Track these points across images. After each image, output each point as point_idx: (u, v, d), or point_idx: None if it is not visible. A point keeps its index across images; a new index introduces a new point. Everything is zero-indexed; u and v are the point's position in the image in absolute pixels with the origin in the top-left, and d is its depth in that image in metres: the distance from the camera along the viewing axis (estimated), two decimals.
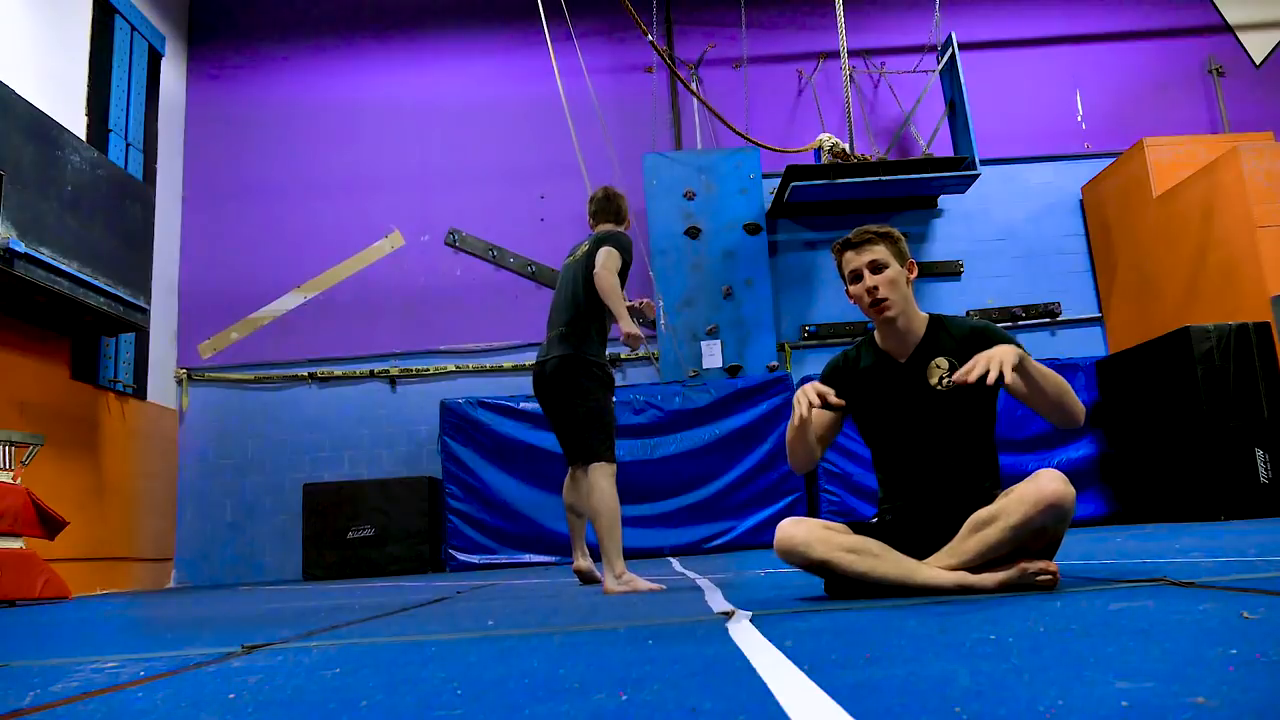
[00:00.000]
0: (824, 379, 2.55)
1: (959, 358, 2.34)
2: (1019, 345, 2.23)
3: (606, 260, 3.59)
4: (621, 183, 8.79)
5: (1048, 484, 2.06)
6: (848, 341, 8.91)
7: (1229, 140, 8.19)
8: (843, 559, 2.21)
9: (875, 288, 2.36)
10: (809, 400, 2.24)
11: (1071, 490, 2.07)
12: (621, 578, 3.36)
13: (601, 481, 3.46)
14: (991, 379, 2.05)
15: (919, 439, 2.38)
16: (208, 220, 9.22)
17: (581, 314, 3.69)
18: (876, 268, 2.38)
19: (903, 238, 2.46)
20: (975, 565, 2.15)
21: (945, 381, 2.34)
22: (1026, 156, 9.40)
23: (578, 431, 3.58)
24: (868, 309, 2.40)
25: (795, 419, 2.30)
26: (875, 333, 2.51)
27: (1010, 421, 7.08)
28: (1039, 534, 2.09)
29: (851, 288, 2.43)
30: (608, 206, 3.95)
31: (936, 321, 2.44)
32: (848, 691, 1.07)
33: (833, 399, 2.25)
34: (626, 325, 3.59)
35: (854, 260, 2.41)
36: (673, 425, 7.66)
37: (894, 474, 2.45)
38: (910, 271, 2.43)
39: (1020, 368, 2.13)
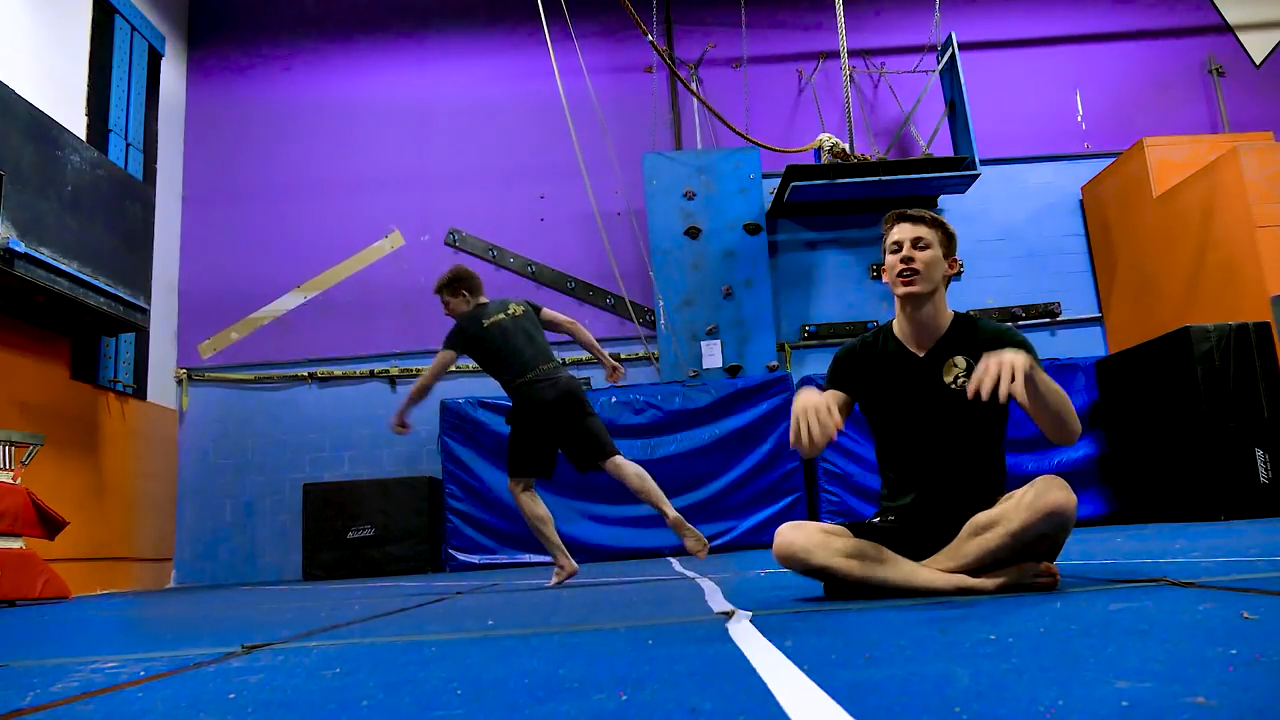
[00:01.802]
0: (836, 364, 2.51)
1: (978, 359, 2.24)
2: (1034, 354, 2.19)
3: (566, 317, 4.62)
4: (622, 183, 8.91)
5: (1049, 491, 2.05)
6: (848, 341, 8.90)
7: (1229, 140, 8.19)
8: (843, 565, 2.20)
9: (911, 259, 2.33)
10: (811, 430, 2.08)
11: (1074, 498, 2.06)
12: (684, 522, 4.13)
13: (630, 464, 4.23)
14: (1003, 391, 1.96)
15: (928, 435, 2.36)
16: (208, 220, 9.22)
17: (552, 353, 4.42)
18: (920, 244, 2.35)
19: (955, 236, 2.44)
20: (974, 569, 2.15)
21: (959, 381, 2.31)
22: (1026, 156, 9.40)
23: (595, 438, 4.24)
24: (895, 279, 2.36)
25: (794, 437, 2.14)
26: (895, 322, 2.47)
27: (1010, 421, 7.06)
28: (1039, 540, 2.08)
29: (889, 258, 2.39)
30: (478, 281, 4.68)
31: (961, 320, 2.40)
32: (847, 691, 1.07)
33: (836, 426, 2.10)
34: (611, 360, 4.60)
35: (903, 231, 2.37)
36: (673, 425, 7.66)
37: (899, 470, 2.43)
38: (950, 268, 2.40)
39: (1029, 378, 2.05)
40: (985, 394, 1.97)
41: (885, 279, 2.44)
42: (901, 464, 2.43)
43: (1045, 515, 2.04)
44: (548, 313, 4.56)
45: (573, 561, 4.33)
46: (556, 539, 4.29)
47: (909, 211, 2.40)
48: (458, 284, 4.60)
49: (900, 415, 2.41)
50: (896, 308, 2.44)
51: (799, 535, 2.25)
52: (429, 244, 9.25)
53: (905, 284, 2.34)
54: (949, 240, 2.40)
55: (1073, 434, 2.20)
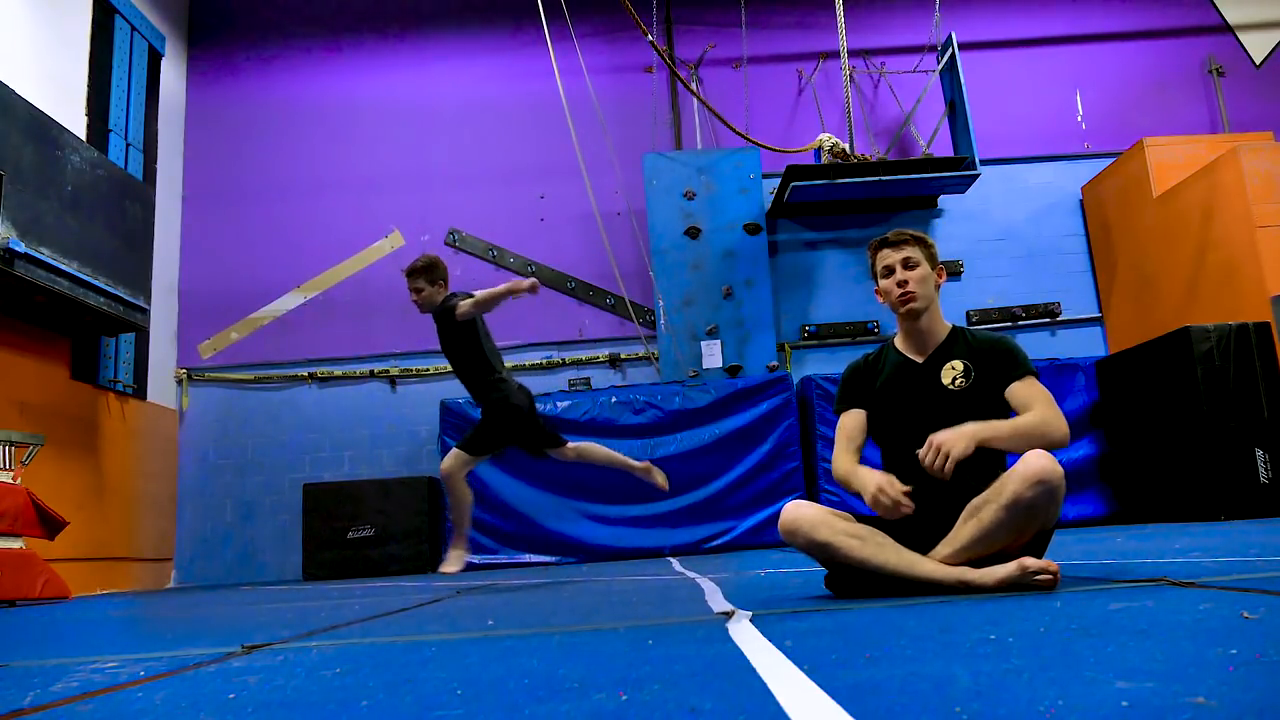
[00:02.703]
0: (846, 383, 2.65)
1: (975, 363, 2.45)
2: (1027, 363, 2.40)
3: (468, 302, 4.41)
4: (622, 183, 8.91)
5: (1035, 460, 2.11)
6: (848, 341, 8.92)
7: (1229, 140, 8.19)
8: (845, 543, 2.24)
9: (905, 281, 2.49)
10: (892, 502, 2.20)
11: (1059, 468, 2.11)
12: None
13: (584, 442, 4.73)
14: (947, 470, 2.16)
15: (929, 435, 2.39)
16: (208, 220, 9.22)
17: None
18: (909, 264, 2.52)
19: (935, 244, 2.62)
20: (974, 554, 2.17)
21: (958, 382, 2.44)
22: (1026, 156, 9.40)
23: (550, 431, 4.66)
24: (895, 302, 2.52)
25: (871, 499, 2.25)
26: (896, 336, 2.62)
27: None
28: (1031, 513, 2.11)
29: (882, 282, 2.56)
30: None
31: (958, 330, 2.57)
32: (848, 691, 1.07)
33: (905, 506, 2.21)
34: (516, 286, 4.26)
35: (889, 256, 2.53)
36: (673, 425, 7.65)
37: (903, 474, 2.45)
38: (939, 276, 2.57)
39: (983, 443, 2.23)
40: (935, 473, 2.18)
41: (881, 301, 2.60)
42: (906, 466, 2.45)
43: (1032, 483, 2.08)
44: (464, 306, 4.30)
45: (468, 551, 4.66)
46: (469, 522, 4.60)
47: (889, 237, 2.57)
48: (436, 272, 4.47)
49: (904, 419, 2.48)
50: (898, 324, 2.60)
51: (806, 510, 2.33)
52: (429, 244, 9.25)
53: (905, 303, 2.50)
54: (931, 251, 2.57)
55: (1055, 446, 2.28)
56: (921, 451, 2.22)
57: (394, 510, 7.72)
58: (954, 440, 2.19)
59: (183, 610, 4.19)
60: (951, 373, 2.45)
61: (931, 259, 2.55)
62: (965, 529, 2.19)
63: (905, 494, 2.23)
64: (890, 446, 2.54)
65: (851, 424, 2.58)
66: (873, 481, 2.26)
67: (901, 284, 2.49)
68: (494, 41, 9.66)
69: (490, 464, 7.67)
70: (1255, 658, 1.09)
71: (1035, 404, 2.35)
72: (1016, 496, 2.09)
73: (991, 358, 2.45)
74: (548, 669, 1.43)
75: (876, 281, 2.59)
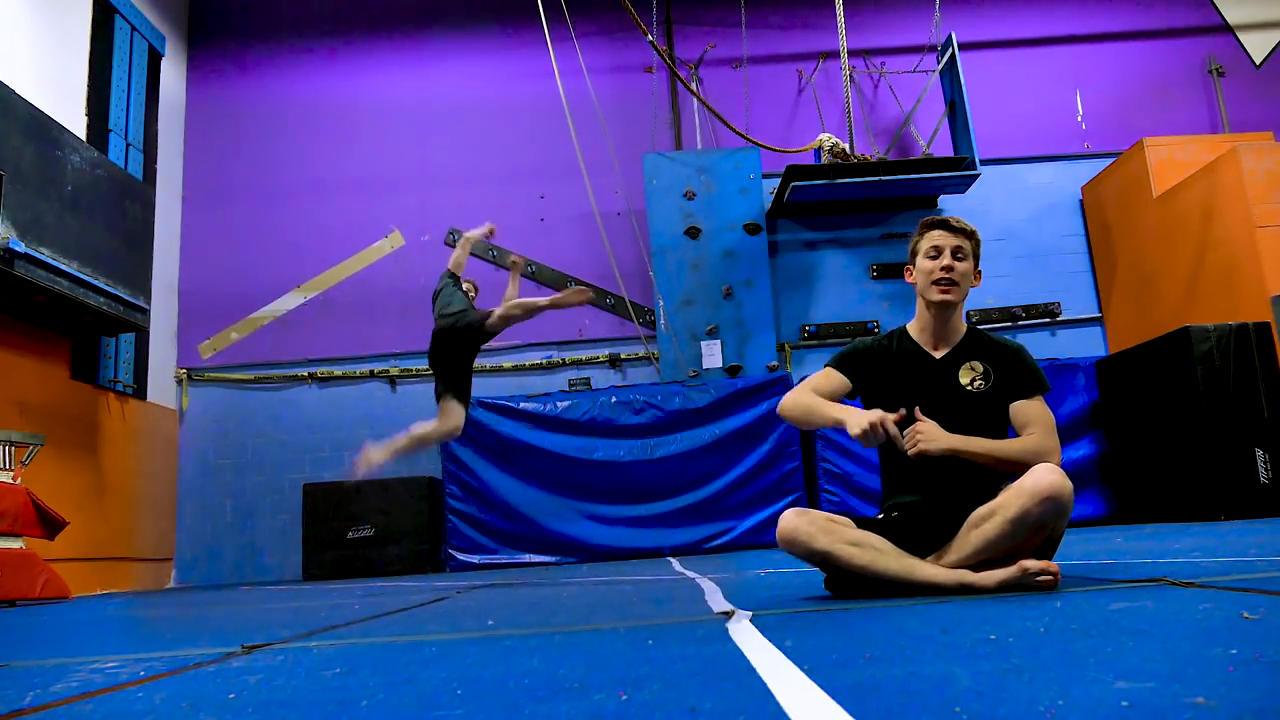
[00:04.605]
0: (849, 353, 2.57)
1: (994, 366, 2.43)
2: (1042, 378, 2.41)
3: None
4: (622, 183, 8.92)
5: (1044, 476, 2.09)
6: (848, 341, 8.90)
7: (1229, 140, 8.19)
8: (845, 551, 2.22)
9: (952, 268, 2.43)
10: (878, 430, 2.22)
11: (1068, 483, 2.09)
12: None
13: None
14: (910, 453, 2.26)
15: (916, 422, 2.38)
16: (208, 220, 9.22)
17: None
18: (959, 254, 2.45)
19: (980, 245, 2.56)
20: (976, 562, 2.16)
21: (976, 384, 2.42)
22: (1026, 156, 9.40)
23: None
24: (929, 285, 2.45)
25: (864, 431, 2.25)
26: (911, 325, 2.56)
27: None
28: (1038, 527, 2.10)
29: (924, 261, 2.48)
30: None
31: (976, 331, 2.52)
32: (848, 691, 1.07)
33: (891, 425, 2.24)
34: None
35: (943, 238, 2.46)
36: (673, 425, 7.66)
37: (905, 468, 2.44)
38: (975, 279, 2.52)
39: (960, 455, 2.29)
40: (909, 450, 2.27)
41: (910, 279, 2.52)
42: (907, 462, 2.41)
43: (1041, 500, 2.07)
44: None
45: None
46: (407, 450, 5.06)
47: (951, 220, 2.49)
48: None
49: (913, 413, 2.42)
50: (919, 309, 2.53)
51: (803, 520, 2.29)
52: (429, 244, 9.25)
53: (943, 291, 2.44)
54: (979, 253, 2.52)
55: (1043, 461, 2.24)
56: (908, 431, 2.27)
57: (394, 510, 7.72)
58: (936, 439, 2.25)
59: (183, 610, 4.19)
60: (971, 373, 2.42)
61: (977, 259, 2.50)
62: (969, 539, 2.18)
63: (902, 506, 2.21)
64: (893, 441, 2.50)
65: (825, 382, 2.50)
66: (864, 416, 2.25)
67: (947, 269, 2.42)
68: (494, 41, 9.66)
69: (490, 464, 7.69)
70: (1255, 658, 1.09)
71: (1034, 427, 2.34)
72: (1024, 511, 2.08)
73: (1012, 367, 2.42)
74: (548, 669, 1.43)
75: (913, 259, 2.51)
